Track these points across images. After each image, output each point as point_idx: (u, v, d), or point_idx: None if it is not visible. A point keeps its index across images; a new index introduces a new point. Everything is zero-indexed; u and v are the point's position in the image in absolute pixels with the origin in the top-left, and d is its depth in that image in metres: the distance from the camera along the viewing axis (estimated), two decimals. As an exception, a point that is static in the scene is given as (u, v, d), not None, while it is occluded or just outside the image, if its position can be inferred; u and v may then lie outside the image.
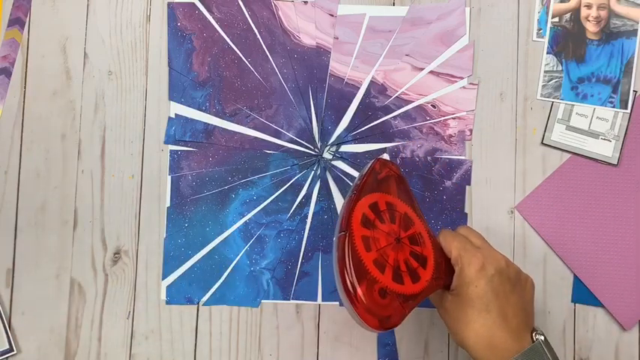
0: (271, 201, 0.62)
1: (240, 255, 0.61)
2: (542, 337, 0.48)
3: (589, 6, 0.63)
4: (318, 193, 0.62)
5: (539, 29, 0.64)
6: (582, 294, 0.62)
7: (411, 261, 0.48)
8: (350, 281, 0.45)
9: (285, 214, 0.62)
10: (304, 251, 0.61)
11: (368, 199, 0.49)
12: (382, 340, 0.60)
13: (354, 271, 0.45)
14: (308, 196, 0.62)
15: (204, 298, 0.61)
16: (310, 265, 0.61)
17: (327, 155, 0.63)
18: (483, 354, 0.48)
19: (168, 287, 0.61)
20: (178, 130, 0.62)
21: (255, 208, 0.62)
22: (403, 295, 0.46)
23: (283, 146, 0.63)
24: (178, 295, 0.61)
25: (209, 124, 0.62)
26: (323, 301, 0.61)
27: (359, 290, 0.44)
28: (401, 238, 0.49)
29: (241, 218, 0.62)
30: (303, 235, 0.62)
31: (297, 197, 0.62)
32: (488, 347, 0.47)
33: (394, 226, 0.49)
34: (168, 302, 0.61)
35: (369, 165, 0.52)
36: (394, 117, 0.63)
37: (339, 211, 0.62)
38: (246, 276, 0.61)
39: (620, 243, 0.62)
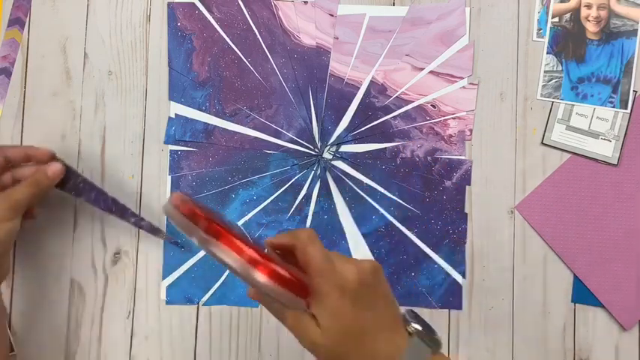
0: (271, 201, 0.62)
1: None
2: (415, 328, 0.44)
3: (589, 6, 0.63)
4: (318, 193, 0.62)
5: (539, 29, 0.64)
6: (582, 294, 0.62)
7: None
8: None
9: (285, 214, 0.62)
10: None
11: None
12: None
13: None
14: (308, 196, 0.62)
15: (205, 298, 0.61)
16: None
17: (327, 155, 0.63)
18: None
19: (169, 287, 0.61)
20: (178, 130, 0.62)
21: (255, 208, 0.62)
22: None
23: (283, 146, 0.63)
24: (178, 295, 0.61)
25: (209, 124, 0.62)
26: None
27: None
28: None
29: (241, 218, 0.62)
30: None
31: (297, 197, 0.62)
32: None
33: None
34: (168, 302, 0.61)
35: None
36: (394, 117, 0.63)
37: (339, 213, 0.62)
38: (246, 276, 0.61)
39: (620, 243, 0.62)
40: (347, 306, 0.42)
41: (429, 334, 0.44)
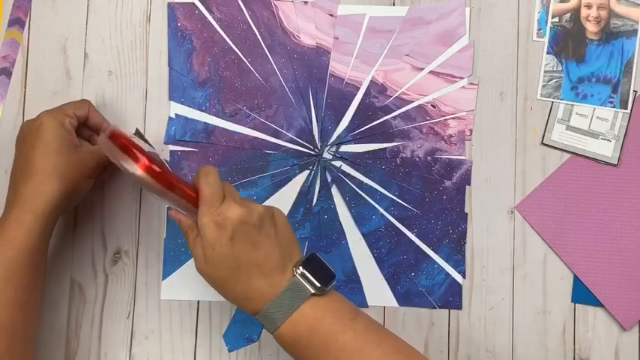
0: (271, 201, 0.62)
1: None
2: (301, 271, 0.48)
3: (589, 6, 0.63)
4: (318, 194, 0.62)
5: (539, 29, 0.64)
6: (582, 294, 0.62)
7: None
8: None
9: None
10: (305, 251, 0.61)
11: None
12: None
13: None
14: (308, 196, 0.62)
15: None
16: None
17: (327, 155, 0.63)
18: (246, 309, 0.48)
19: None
20: (178, 130, 0.62)
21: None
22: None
23: (283, 146, 0.63)
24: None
25: (209, 124, 0.62)
26: None
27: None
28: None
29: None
30: (308, 234, 0.62)
31: (296, 197, 0.62)
32: (246, 300, 0.48)
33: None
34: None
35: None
36: (394, 117, 0.63)
37: (339, 213, 0.62)
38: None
39: (620, 243, 0.62)
40: (223, 238, 0.47)
41: (319, 279, 0.48)
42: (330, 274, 0.49)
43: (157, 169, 0.46)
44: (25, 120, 0.61)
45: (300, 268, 0.48)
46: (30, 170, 0.52)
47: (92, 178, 0.56)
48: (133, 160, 0.45)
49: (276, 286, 0.48)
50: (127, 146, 0.45)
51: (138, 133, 0.61)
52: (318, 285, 0.48)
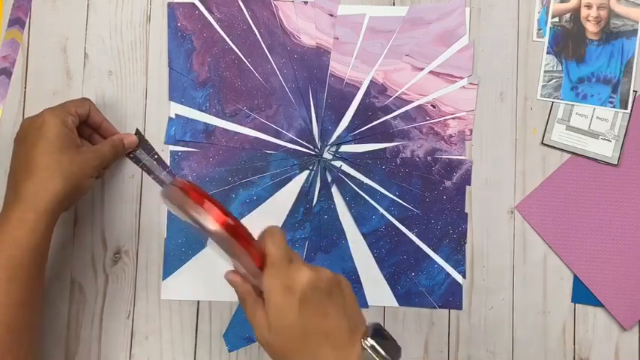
0: (271, 201, 0.62)
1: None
2: (370, 343, 0.44)
3: (589, 6, 0.63)
4: (318, 194, 0.62)
5: (539, 29, 0.64)
6: (582, 294, 0.62)
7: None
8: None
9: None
10: (306, 251, 0.61)
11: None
12: None
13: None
14: (308, 197, 0.62)
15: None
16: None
17: (327, 155, 0.63)
18: None
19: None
20: (178, 131, 0.62)
21: (255, 208, 0.62)
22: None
23: (283, 146, 0.63)
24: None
25: (209, 124, 0.62)
26: None
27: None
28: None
29: (241, 219, 0.62)
30: (308, 235, 0.62)
31: (297, 197, 0.62)
32: None
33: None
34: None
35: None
36: (394, 117, 0.63)
37: (339, 213, 0.62)
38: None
39: (620, 243, 0.62)
40: (292, 305, 0.43)
41: (388, 352, 0.44)
42: (397, 345, 0.46)
43: (231, 222, 0.43)
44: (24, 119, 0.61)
45: (370, 340, 0.44)
46: (32, 168, 0.51)
47: (94, 177, 0.56)
48: (209, 214, 0.43)
49: (348, 357, 0.44)
50: (201, 199, 0.43)
51: (138, 133, 0.61)
52: (389, 359, 0.44)
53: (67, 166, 0.52)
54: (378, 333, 0.45)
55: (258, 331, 0.44)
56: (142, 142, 0.62)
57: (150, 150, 0.62)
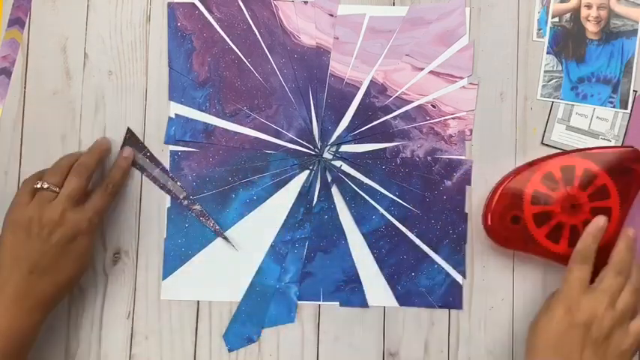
0: (271, 201, 0.62)
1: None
2: None
3: (589, 6, 0.63)
4: (318, 194, 0.62)
5: (539, 29, 0.64)
6: (582, 294, 0.61)
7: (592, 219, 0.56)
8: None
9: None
10: (307, 251, 0.61)
11: (541, 172, 0.58)
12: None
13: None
14: (308, 196, 0.62)
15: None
16: (312, 266, 0.61)
17: (327, 155, 0.63)
18: None
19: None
20: (178, 131, 0.62)
21: (255, 208, 0.62)
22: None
23: (283, 146, 0.63)
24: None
25: (209, 124, 0.62)
26: (323, 301, 0.61)
27: None
28: (577, 204, 0.55)
29: (241, 219, 0.62)
30: (308, 235, 0.62)
31: (297, 197, 0.62)
32: None
33: (572, 189, 0.56)
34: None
35: None
36: (394, 117, 0.63)
37: (339, 213, 0.62)
38: (246, 276, 0.61)
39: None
40: (559, 323, 0.51)
41: None
42: None
43: None
44: (24, 119, 0.61)
45: None
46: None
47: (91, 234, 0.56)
48: None
49: None
50: None
51: (129, 132, 0.61)
52: None
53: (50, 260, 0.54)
54: None
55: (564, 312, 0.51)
56: (134, 142, 0.62)
57: (142, 148, 0.62)
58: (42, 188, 0.54)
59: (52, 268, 0.52)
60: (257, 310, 0.61)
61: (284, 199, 0.62)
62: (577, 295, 0.51)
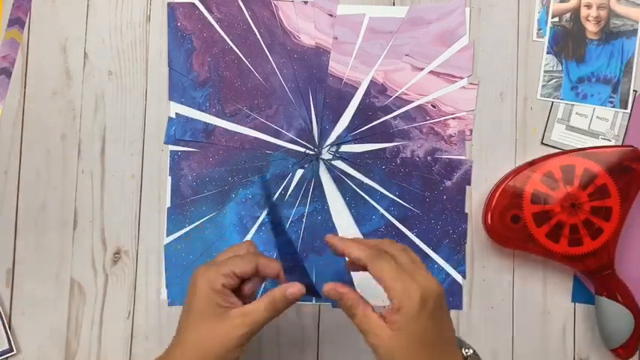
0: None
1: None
2: (471, 351, 0.46)
3: (589, 6, 0.63)
4: (319, 193, 0.62)
5: (539, 29, 0.64)
6: (582, 294, 0.62)
7: (592, 219, 0.57)
8: None
9: (285, 214, 0.62)
10: (299, 251, 0.61)
11: (541, 171, 0.58)
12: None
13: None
14: (307, 196, 0.62)
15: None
16: (306, 266, 0.61)
17: (327, 155, 0.63)
18: None
19: (169, 287, 0.61)
20: (178, 130, 0.62)
21: (253, 206, 0.62)
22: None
23: (283, 146, 0.63)
24: (180, 295, 0.61)
25: (209, 124, 0.62)
26: (316, 301, 0.61)
27: None
28: (577, 203, 0.56)
29: (240, 218, 0.62)
30: (300, 235, 0.62)
31: (296, 197, 0.62)
32: None
33: (572, 189, 0.57)
34: (170, 304, 0.61)
35: None
36: (394, 117, 0.63)
37: (339, 213, 0.62)
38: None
39: (619, 243, 0.62)
40: (425, 313, 0.43)
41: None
42: (477, 353, 0.49)
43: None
44: (24, 119, 0.61)
45: (470, 348, 0.47)
46: (179, 333, 0.49)
47: (242, 346, 0.47)
48: None
49: None
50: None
51: (264, 181, 0.61)
52: None
53: (203, 339, 0.47)
54: (459, 342, 0.48)
55: (377, 335, 0.44)
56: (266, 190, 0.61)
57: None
58: None
59: (195, 342, 0.48)
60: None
61: (283, 198, 0.62)
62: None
